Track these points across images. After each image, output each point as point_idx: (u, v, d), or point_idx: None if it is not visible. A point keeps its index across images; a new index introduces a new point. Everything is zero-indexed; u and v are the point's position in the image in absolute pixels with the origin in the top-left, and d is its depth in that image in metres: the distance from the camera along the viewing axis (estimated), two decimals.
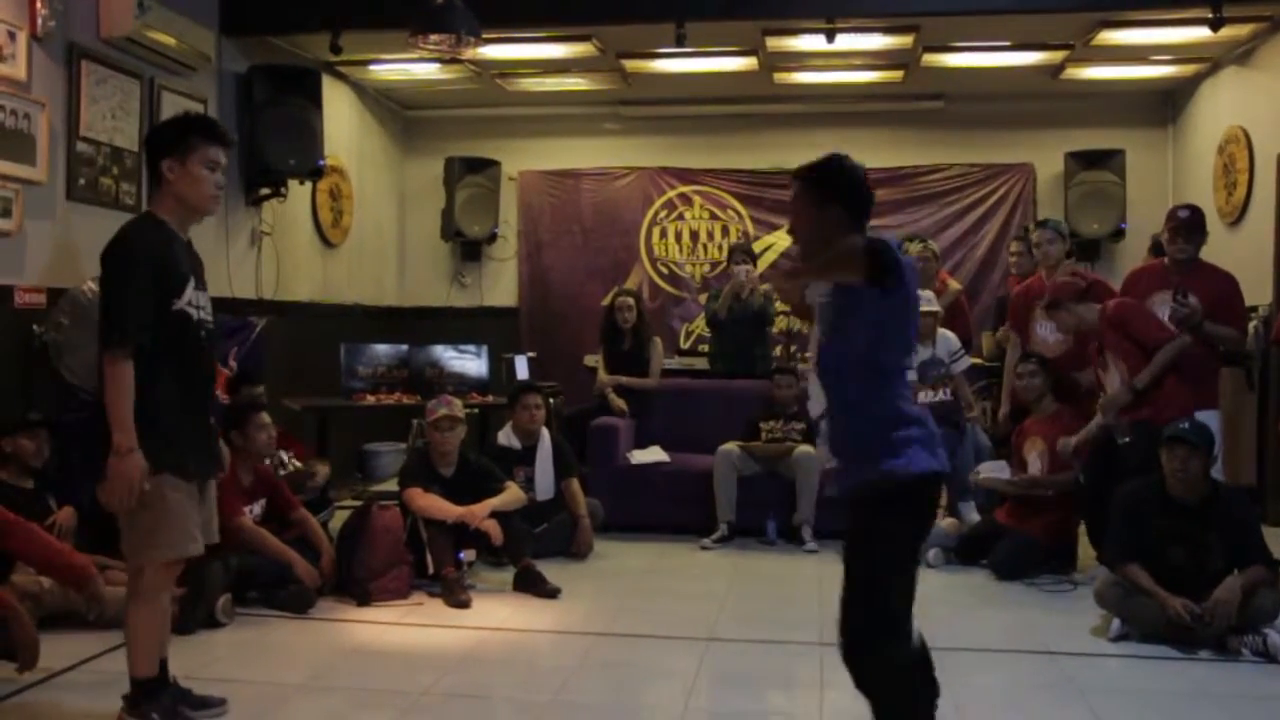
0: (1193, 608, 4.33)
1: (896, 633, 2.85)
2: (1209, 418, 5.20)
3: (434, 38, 5.92)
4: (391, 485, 6.51)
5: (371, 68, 8.25)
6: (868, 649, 2.85)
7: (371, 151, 9.09)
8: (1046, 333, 5.85)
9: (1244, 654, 4.30)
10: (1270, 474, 6.60)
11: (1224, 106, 7.85)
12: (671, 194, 9.46)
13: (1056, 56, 7.67)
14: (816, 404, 3.70)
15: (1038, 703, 3.86)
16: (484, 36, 6.00)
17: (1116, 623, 4.57)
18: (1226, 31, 6.75)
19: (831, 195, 2.92)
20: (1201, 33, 6.72)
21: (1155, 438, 4.64)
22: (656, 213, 9.48)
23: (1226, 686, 4.05)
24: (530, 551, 5.41)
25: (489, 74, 8.34)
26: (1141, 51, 7.63)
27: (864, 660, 2.86)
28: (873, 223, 8.50)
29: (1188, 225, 5.22)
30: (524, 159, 9.56)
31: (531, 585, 5.22)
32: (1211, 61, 7.84)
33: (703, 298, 8.83)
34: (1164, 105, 8.78)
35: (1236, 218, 7.38)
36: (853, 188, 2.95)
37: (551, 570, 5.39)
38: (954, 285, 7.30)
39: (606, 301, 7.57)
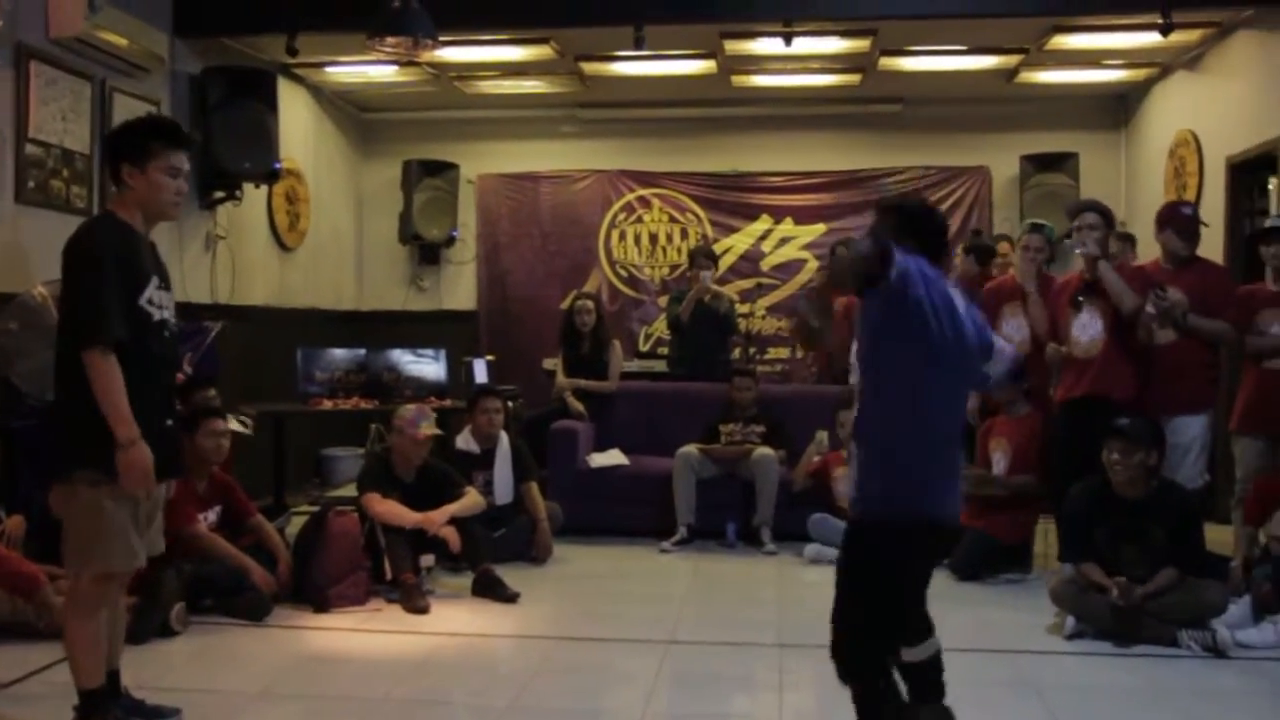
0: (1129, 586, 4.44)
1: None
2: (1196, 421, 5.26)
3: (391, 40, 5.87)
4: (349, 490, 6.46)
5: (328, 70, 8.19)
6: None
7: (328, 154, 9.02)
8: (1013, 331, 5.90)
9: (1193, 649, 4.37)
10: (1220, 473, 6.69)
11: (1174, 110, 7.96)
12: (630, 197, 9.47)
13: (1011, 60, 7.75)
14: None
15: (995, 700, 3.90)
16: (441, 39, 5.96)
17: (1071, 620, 4.63)
18: (1176, 37, 6.86)
19: (908, 233, 2.93)
20: (1152, 38, 6.81)
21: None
22: (615, 215, 9.48)
23: (1176, 681, 4.11)
24: (489, 556, 5.39)
25: (447, 76, 8.31)
26: (1094, 56, 7.72)
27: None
28: (830, 226, 8.67)
29: (1191, 222, 5.37)
30: (482, 162, 9.53)
31: (490, 590, 5.20)
32: (1162, 66, 7.95)
33: (663, 300, 8.85)
34: (1117, 109, 8.89)
35: None
36: (930, 232, 3.01)
37: (511, 575, 5.37)
38: None
39: (565, 304, 7.57)
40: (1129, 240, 6.97)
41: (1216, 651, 4.34)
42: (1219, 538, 5.65)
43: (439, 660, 4.38)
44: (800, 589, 5.61)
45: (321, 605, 4.94)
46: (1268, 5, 6.34)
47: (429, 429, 5.41)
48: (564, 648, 4.54)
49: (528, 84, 8.60)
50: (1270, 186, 6.54)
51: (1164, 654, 4.37)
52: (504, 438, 6.15)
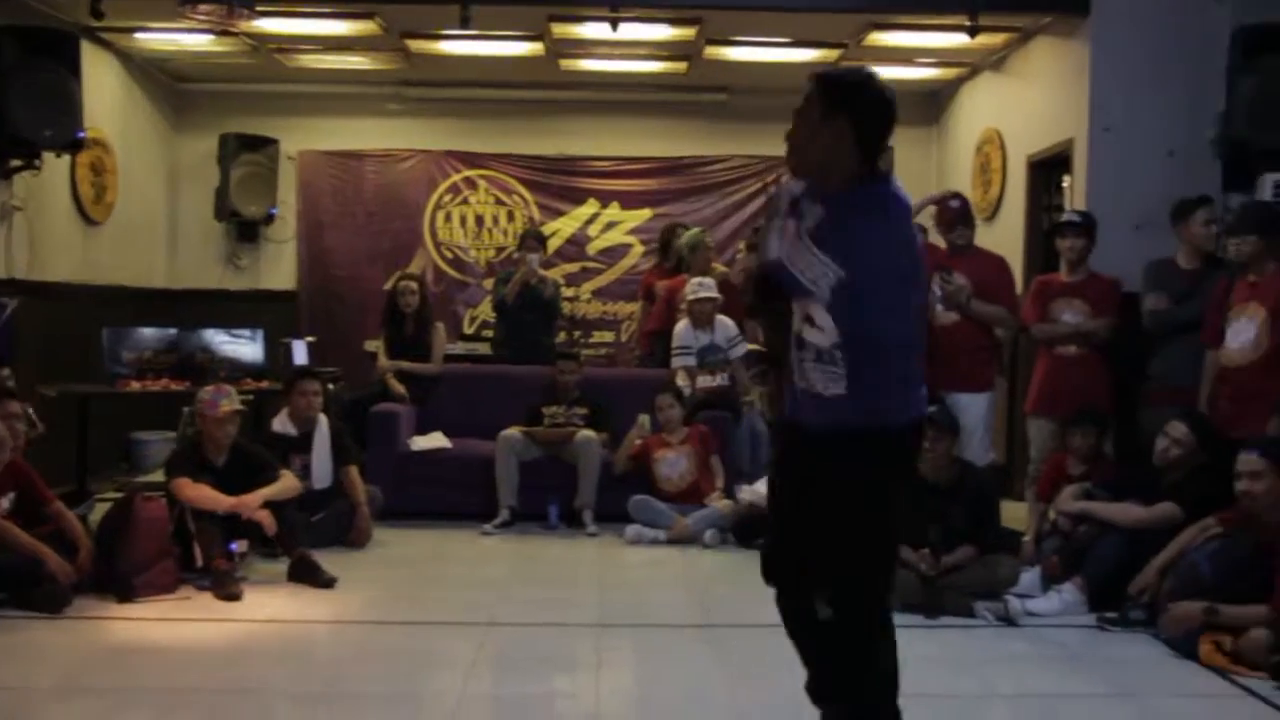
0: (934, 557, 4.69)
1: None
2: (979, 400, 5.60)
3: (204, 8, 5.67)
4: (160, 476, 6.22)
5: (138, 36, 7.80)
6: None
7: (138, 125, 8.61)
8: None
9: (988, 619, 4.62)
10: (1017, 453, 7.08)
11: (981, 109, 8.35)
12: (456, 178, 9.37)
13: (832, 55, 7.98)
14: None
15: (801, 672, 4.02)
16: (259, 9, 5.79)
17: None
18: (983, 39, 7.22)
19: (841, 105, 2.60)
20: (961, 39, 7.15)
21: None
22: (441, 196, 9.37)
23: (974, 650, 4.34)
24: (306, 541, 5.27)
25: (266, 48, 8.04)
26: (908, 54, 8.03)
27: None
28: (656, 212, 8.76)
29: (961, 214, 5.67)
30: (304, 138, 9.27)
31: (306, 575, 5.09)
32: (970, 67, 8.33)
33: (488, 283, 8.80)
34: (929, 105, 9.26)
35: (992, 214, 7.87)
36: (871, 106, 2.62)
37: (329, 559, 5.26)
38: (720, 268, 7.52)
39: (388, 285, 7.45)
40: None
41: (1009, 621, 4.60)
42: (1014, 514, 6.00)
43: (252, 648, 4.27)
44: (621, 570, 5.69)
45: (126, 595, 4.73)
46: (1064, 14, 6.72)
47: (229, 405, 5.26)
48: (382, 632, 4.49)
49: (351, 59, 8.41)
50: (1065, 184, 6.93)
51: (963, 624, 4.61)
52: (323, 420, 6.02)
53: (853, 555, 2.70)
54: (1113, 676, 4.05)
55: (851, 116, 2.60)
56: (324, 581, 5.06)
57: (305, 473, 5.79)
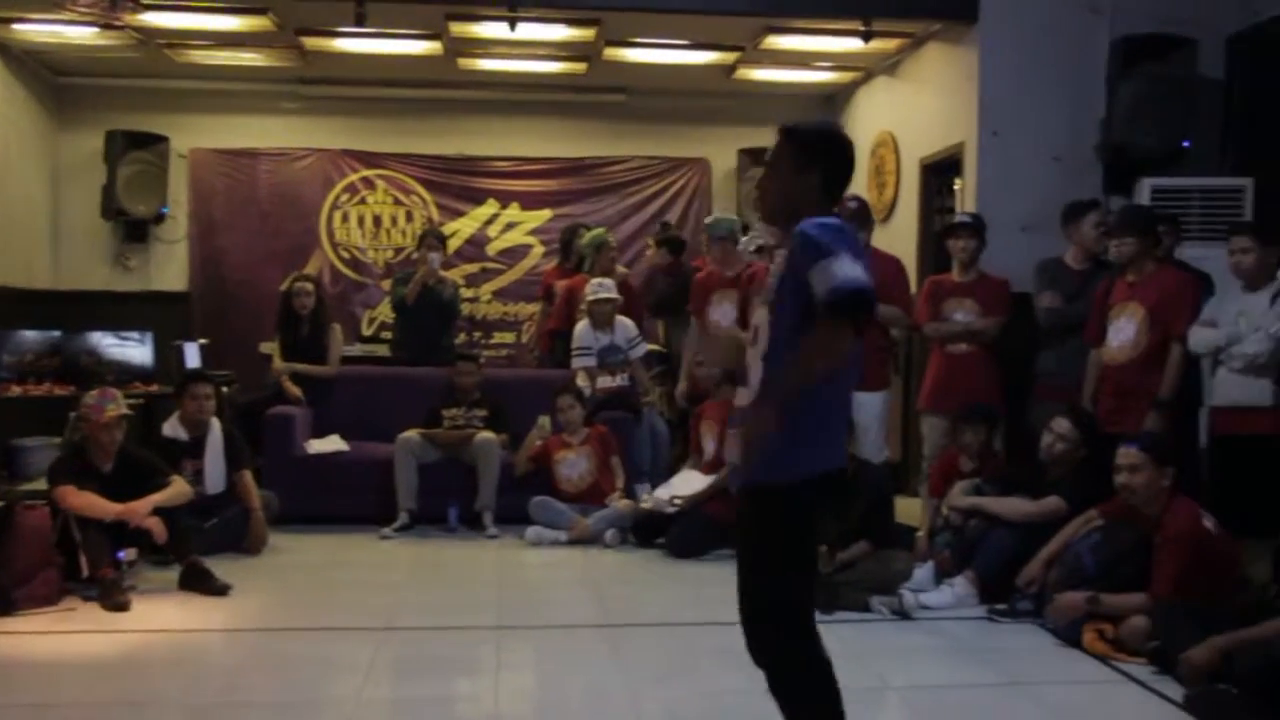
0: (829, 553, 4.80)
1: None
2: (875, 399, 5.69)
3: (86, 0, 5.49)
4: (43, 484, 6.02)
5: (16, 27, 7.52)
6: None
7: (17, 119, 8.30)
8: (721, 317, 6.17)
9: (883, 613, 4.72)
10: (912, 450, 7.23)
11: (876, 112, 8.51)
12: (354, 177, 9.24)
13: (729, 57, 8.06)
14: None
15: (704, 669, 4.09)
16: (145, 2, 5.63)
17: None
18: (876, 44, 7.37)
19: (813, 160, 2.78)
20: (855, 44, 7.29)
21: None
22: (338, 196, 9.23)
23: (870, 644, 4.41)
24: (198, 548, 5.16)
25: (155, 43, 7.82)
26: (804, 57, 8.15)
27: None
28: (556, 212, 8.77)
29: (859, 214, 5.72)
30: (196, 135, 9.05)
31: (198, 583, 4.97)
32: (865, 70, 8.48)
33: (386, 284, 8.70)
34: (826, 108, 9.39)
35: (887, 215, 8.02)
36: (837, 158, 2.80)
37: (222, 566, 5.15)
38: (621, 269, 7.56)
39: (284, 287, 7.30)
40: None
41: (903, 614, 4.70)
42: (909, 510, 6.14)
43: (142, 659, 4.16)
44: (521, 571, 5.68)
45: (6, 608, 4.56)
46: (953, 21, 6.88)
47: (115, 410, 5.11)
48: (277, 639, 4.41)
49: (245, 56, 8.23)
50: (956, 186, 7.10)
51: (858, 619, 4.69)
52: (215, 424, 5.89)
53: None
54: (1002, 666, 4.17)
55: (822, 170, 2.77)
56: (217, 589, 4.95)
57: (197, 478, 5.66)
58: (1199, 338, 4.92)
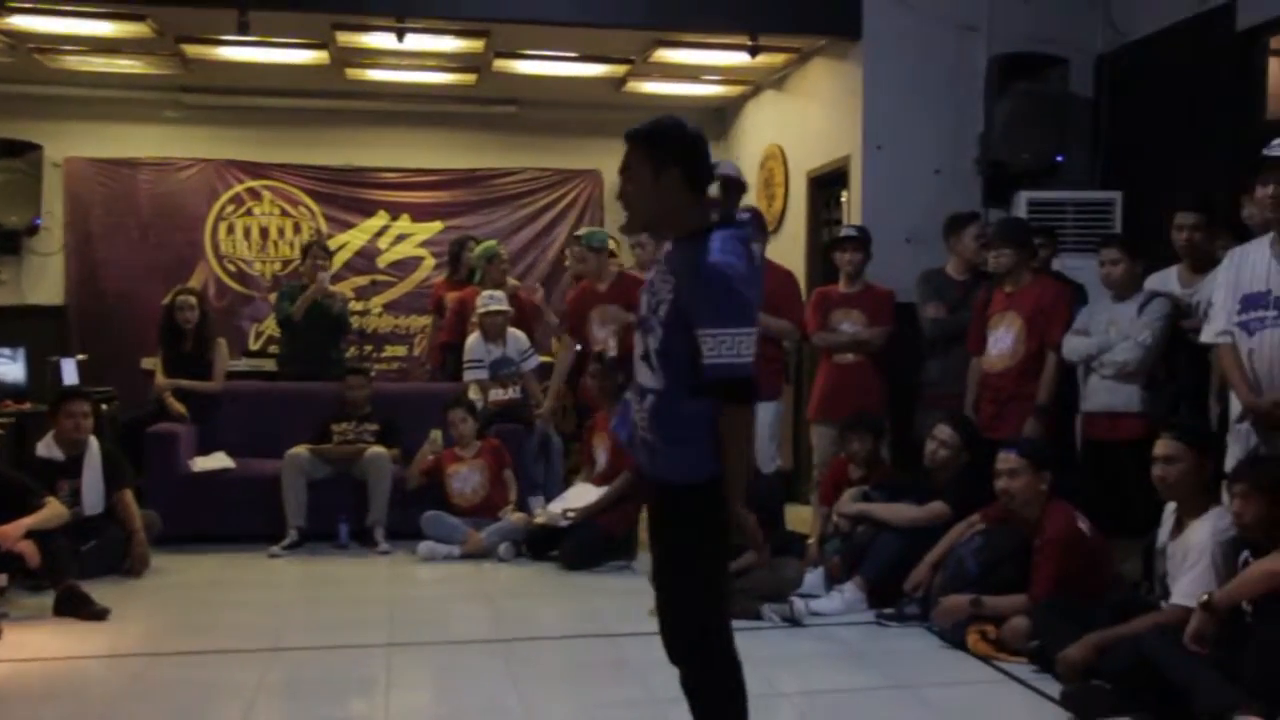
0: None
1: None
2: (767, 409, 5.76)
3: None
4: None
5: None
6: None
7: None
8: (602, 333, 6.20)
9: (774, 620, 4.78)
10: (803, 459, 7.35)
11: (765, 126, 8.64)
12: (239, 188, 9.05)
13: (619, 70, 8.10)
14: None
15: (597, 680, 4.09)
16: (11, 4, 5.42)
17: None
18: (763, 59, 7.49)
19: (669, 158, 2.70)
20: (743, 58, 7.40)
21: None
22: (223, 207, 9.03)
23: (761, 651, 4.42)
24: (75, 571, 4.99)
25: (25, 47, 7.55)
26: (693, 71, 8.23)
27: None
28: (447, 224, 8.70)
29: (753, 225, 5.77)
30: (71, 144, 8.77)
31: (75, 608, 4.80)
32: (754, 85, 8.60)
33: (273, 297, 8.53)
34: (717, 121, 9.50)
35: (776, 226, 8.14)
36: (692, 149, 2.74)
37: (102, 590, 4.99)
38: (513, 281, 7.54)
39: (166, 301, 7.11)
40: None
41: (794, 621, 4.76)
42: (801, 518, 6.23)
43: (15, 690, 3.99)
44: (413, 586, 5.62)
45: None
46: (837, 37, 7.03)
47: None
48: (160, 664, 4.28)
49: (122, 63, 8.01)
50: (843, 199, 7.24)
51: (750, 627, 4.71)
52: (94, 443, 5.70)
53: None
54: (890, 670, 4.25)
55: (681, 165, 2.72)
56: (95, 614, 4.80)
57: (74, 499, 5.48)
58: (1072, 346, 5.09)
